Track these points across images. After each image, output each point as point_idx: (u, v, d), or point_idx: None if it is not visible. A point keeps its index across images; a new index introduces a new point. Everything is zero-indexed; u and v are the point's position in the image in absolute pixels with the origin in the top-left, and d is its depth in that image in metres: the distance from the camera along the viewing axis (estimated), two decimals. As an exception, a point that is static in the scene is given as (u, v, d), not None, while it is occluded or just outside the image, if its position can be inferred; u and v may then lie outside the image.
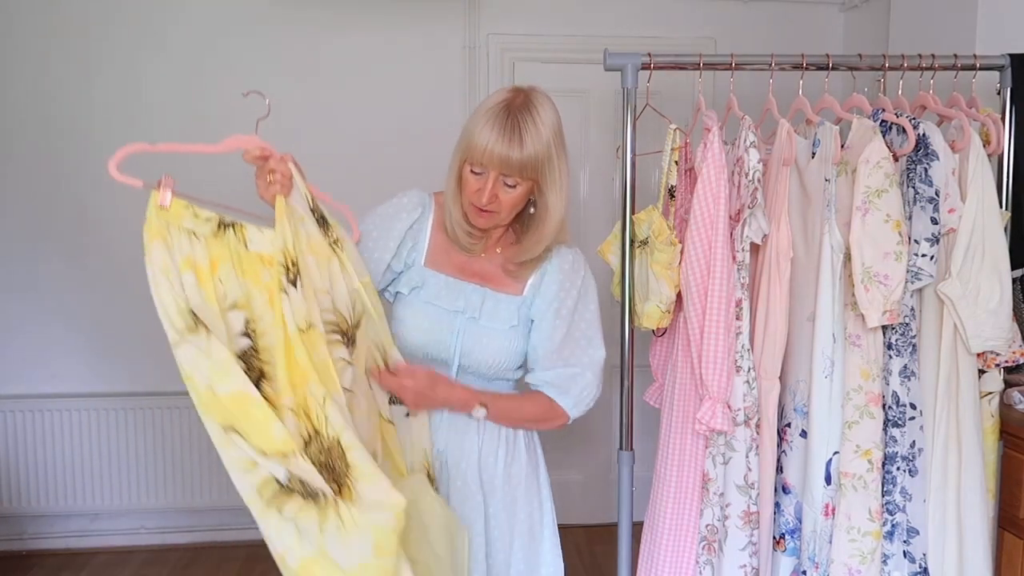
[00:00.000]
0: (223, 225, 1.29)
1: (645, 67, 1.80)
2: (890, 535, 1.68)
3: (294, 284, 1.29)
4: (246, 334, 1.28)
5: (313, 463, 1.22)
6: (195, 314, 1.22)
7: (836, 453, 1.67)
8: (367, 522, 1.24)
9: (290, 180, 1.34)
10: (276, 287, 1.29)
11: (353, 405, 1.35)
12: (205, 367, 1.20)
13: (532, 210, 1.52)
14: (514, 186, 1.45)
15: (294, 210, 1.35)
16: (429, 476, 1.51)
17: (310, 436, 1.26)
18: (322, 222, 1.41)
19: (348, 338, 1.40)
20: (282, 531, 1.23)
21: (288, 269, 1.30)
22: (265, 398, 1.23)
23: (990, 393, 1.79)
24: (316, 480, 1.22)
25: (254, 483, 1.23)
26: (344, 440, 1.25)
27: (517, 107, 1.42)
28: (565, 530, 1.65)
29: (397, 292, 1.55)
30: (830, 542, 1.69)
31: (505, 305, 1.52)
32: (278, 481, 1.23)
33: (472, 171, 1.45)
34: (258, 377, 1.27)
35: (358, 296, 1.42)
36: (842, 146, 1.68)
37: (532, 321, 1.54)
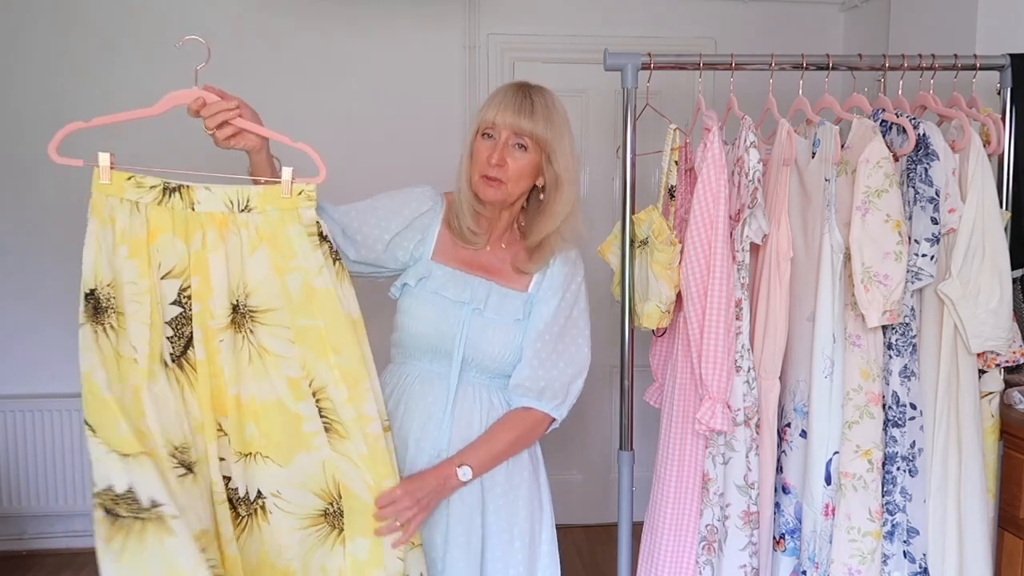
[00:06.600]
0: (168, 190, 1.28)
1: (645, 67, 1.80)
2: (890, 535, 1.68)
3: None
4: (177, 302, 1.28)
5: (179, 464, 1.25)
6: (96, 303, 1.30)
7: (836, 453, 1.67)
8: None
9: (243, 117, 1.34)
10: (206, 249, 1.28)
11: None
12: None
13: (541, 196, 1.56)
14: (524, 148, 1.48)
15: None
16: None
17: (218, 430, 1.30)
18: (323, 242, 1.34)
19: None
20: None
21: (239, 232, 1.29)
22: (189, 367, 1.28)
23: (990, 393, 1.79)
24: (157, 492, 1.20)
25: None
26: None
27: (531, 86, 1.52)
28: (565, 530, 1.65)
29: (404, 284, 1.56)
30: (830, 542, 1.69)
31: (511, 300, 1.53)
32: (112, 496, 1.20)
33: (484, 134, 1.49)
34: (186, 344, 1.28)
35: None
36: (842, 146, 1.68)
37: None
